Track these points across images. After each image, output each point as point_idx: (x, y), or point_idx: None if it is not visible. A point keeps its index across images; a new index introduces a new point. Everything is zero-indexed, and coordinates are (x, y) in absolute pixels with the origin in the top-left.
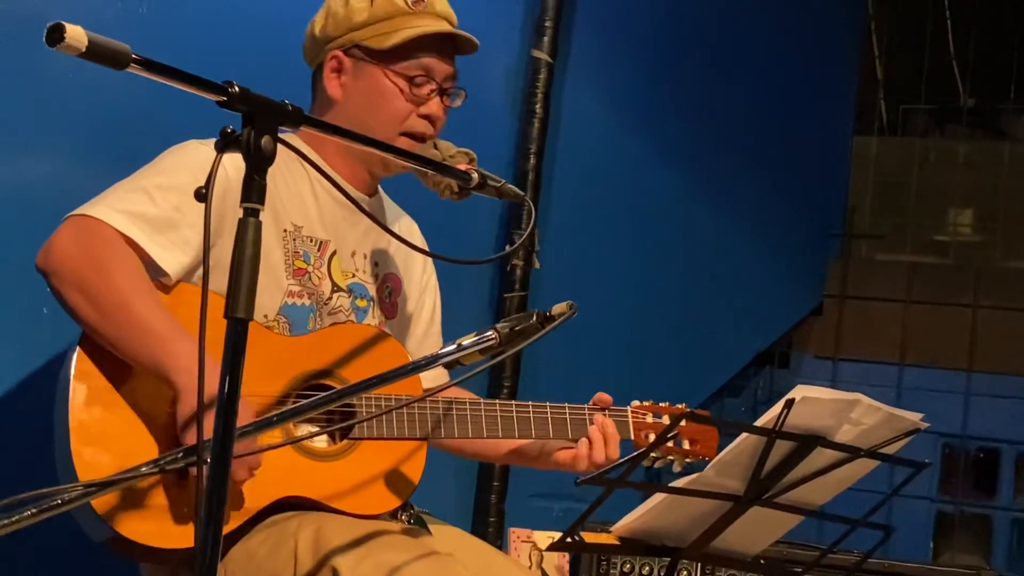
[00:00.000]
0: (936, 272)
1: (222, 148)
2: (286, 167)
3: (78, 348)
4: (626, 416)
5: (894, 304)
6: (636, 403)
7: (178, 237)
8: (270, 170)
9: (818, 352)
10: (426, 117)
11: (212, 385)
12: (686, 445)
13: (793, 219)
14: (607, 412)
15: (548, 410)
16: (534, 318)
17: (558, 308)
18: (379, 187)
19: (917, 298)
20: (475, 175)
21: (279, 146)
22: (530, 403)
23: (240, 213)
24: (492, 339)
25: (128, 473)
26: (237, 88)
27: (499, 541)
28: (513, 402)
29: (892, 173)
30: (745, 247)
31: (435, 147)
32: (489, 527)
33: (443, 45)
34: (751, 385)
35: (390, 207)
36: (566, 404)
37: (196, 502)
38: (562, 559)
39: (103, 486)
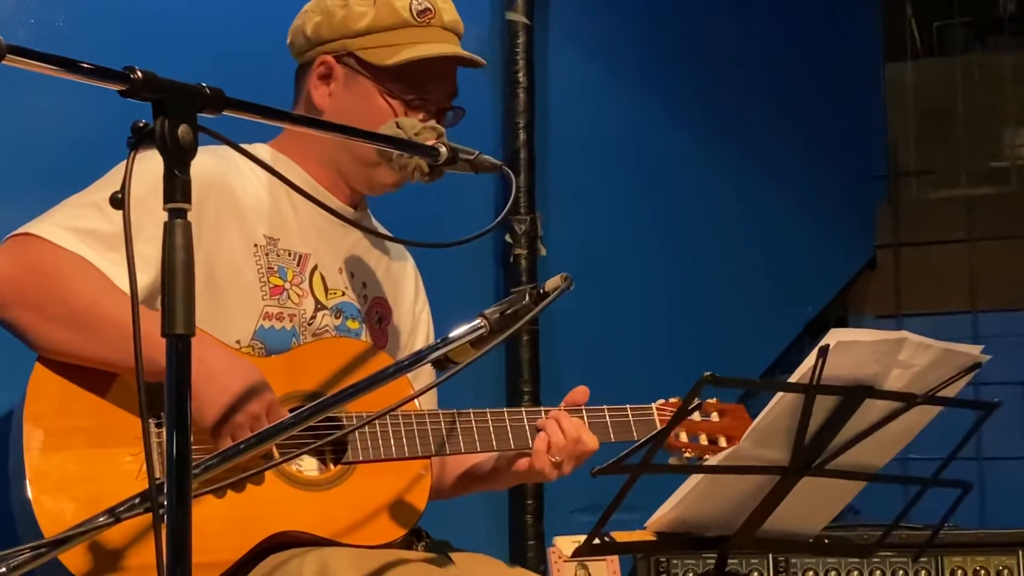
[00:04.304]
0: (999, 203)
1: (135, 145)
2: (255, 172)
3: (28, 387)
4: (651, 415)
5: (956, 245)
6: (661, 401)
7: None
8: (233, 178)
9: (878, 311)
10: None
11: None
12: (722, 442)
13: (828, 165)
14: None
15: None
16: (526, 298)
17: (552, 282)
18: (366, 205)
19: (981, 235)
20: (443, 149)
21: (243, 149)
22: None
23: (203, 221)
24: (482, 328)
25: (83, 527)
26: (140, 74)
27: (542, 566)
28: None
29: (934, 99)
30: (778, 204)
31: (397, 126)
32: (529, 551)
33: (447, 65)
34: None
35: (377, 234)
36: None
37: (156, 550)
38: None
39: (56, 544)
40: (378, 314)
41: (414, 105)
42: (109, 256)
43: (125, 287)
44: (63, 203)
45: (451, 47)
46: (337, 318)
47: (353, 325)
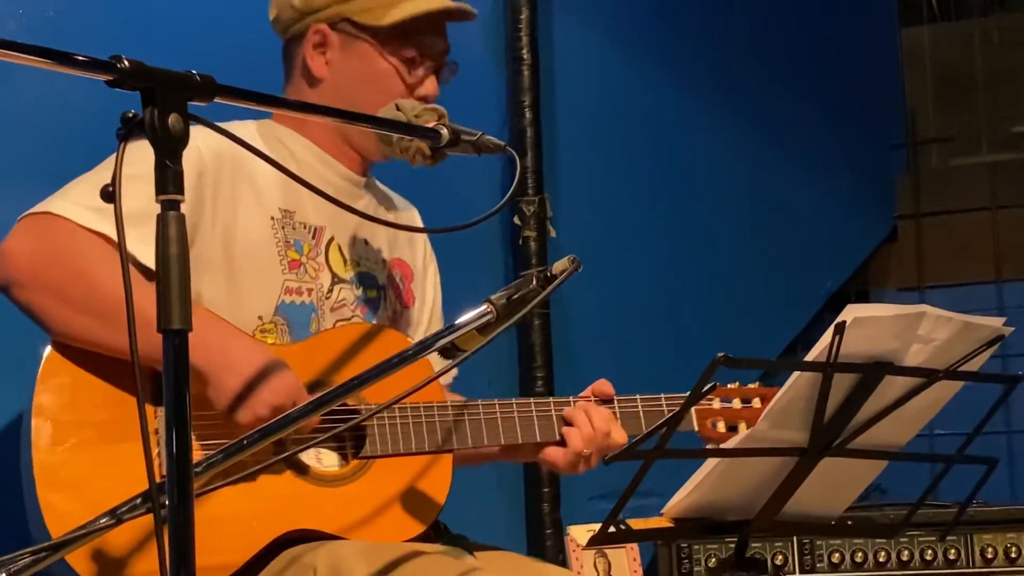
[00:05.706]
0: (1022, 168)
1: (124, 136)
2: (267, 146)
3: (38, 376)
4: None
5: (979, 213)
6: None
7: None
8: (246, 152)
9: (900, 284)
10: (422, 98)
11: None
12: None
13: (845, 135)
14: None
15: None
16: (533, 281)
17: (559, 265)
18: (370, 172)
19: (1004, 202)
20: (445, 131)
21: (252, 123)
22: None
23: (219, 195)
24: (489, 314)
25: (85, 529)
26: (127, 63)
27: (560, 556)
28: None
29: (952, 64)
30: (794, 177)
31: (397, 108)
32: (547, 540)
33: (439, 19)
34: None
35: (383, 193)
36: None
37: (159, 552)
38: (634, 563)
39: (57, 548)
40: (399, 274)
41: (415, 63)
42: (132, 234)
43: (150, 263)
44: (78, 180)
45: (442, 0)
46: (358, 289)
47: (372, 294)
